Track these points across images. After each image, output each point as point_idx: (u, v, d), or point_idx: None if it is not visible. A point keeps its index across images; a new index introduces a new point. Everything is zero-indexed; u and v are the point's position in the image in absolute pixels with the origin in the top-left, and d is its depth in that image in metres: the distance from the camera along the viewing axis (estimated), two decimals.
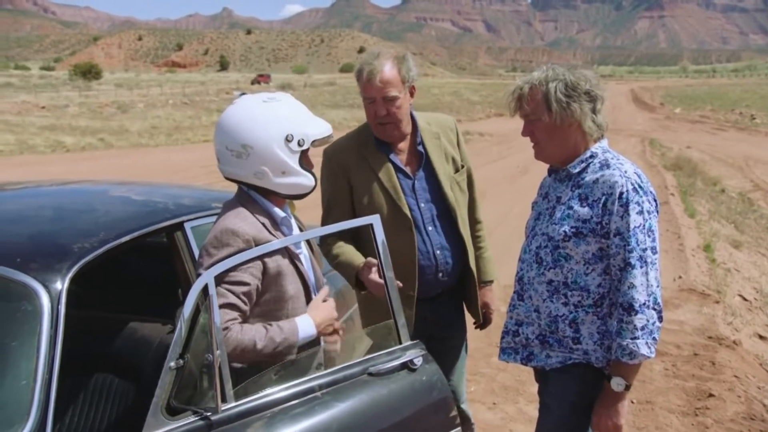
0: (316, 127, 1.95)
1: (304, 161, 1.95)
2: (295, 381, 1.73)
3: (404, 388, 1.87)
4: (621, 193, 1.93)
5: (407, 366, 1.89)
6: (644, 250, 1.92)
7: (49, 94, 43.51)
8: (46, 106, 32.77)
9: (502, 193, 10.95)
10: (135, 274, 2.73)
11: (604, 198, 1.95)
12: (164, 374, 1.54)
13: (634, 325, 1.89)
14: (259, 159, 1.86)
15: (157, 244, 2.63)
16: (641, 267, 1.91)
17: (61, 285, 1.66)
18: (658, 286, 1.94)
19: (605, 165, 2.00)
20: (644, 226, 1.92)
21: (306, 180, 1.95)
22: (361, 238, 2.45)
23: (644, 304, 1.90)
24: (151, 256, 2.66)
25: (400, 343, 1.92)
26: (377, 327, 2.01)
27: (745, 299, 6.19)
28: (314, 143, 1.94)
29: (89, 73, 67.54)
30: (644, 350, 1.89)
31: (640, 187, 1.95)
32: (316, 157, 2.04)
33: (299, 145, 1.89)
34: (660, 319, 1.93)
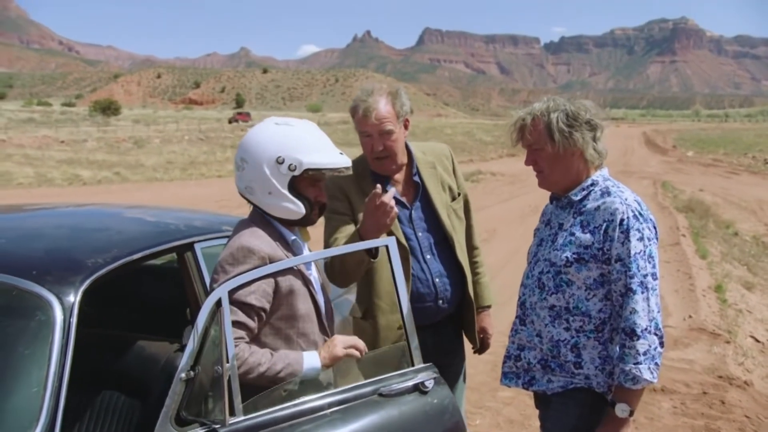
0: (316, 157, 1.89)
1: (306, 190, 1.93)
2: (304, 398, 1.73)
3: (415, 411, 1.85)
4: (622, 220, 1.97)
5: (419, 388, 1.88)
6: (645, 276, 1.95)
7: (69, 129, 44.36)
8: (66, 140, 33.42)
9: (512, 231, 10.95)
10: (145, 293, 2.78)
11: (605, 225, 1.99)
12: (174, 385, 1.58)
13: (637, 350, 1.91)
14: (250, 174, 1.91)
15: (167, 265, 2.68)
16: (642, 293, 1.94)
17: (74, 297, 1.72)
18: (659, 312, 1.96)
19: (606, 192, 2.05)
20: (644, 252, 1.96)
21: (292, 206, 1.91)
22: (370, 268, 2.46)
23: (646, 329, 1.92)
24: (160, 277, 2.71)
25: (413, 365, 1.91)
26: (390, 348, 2.00)
27: (757, 341, 6.10)
28: (308, 172, 1.88)
29: (108, 109, 68.88)
30: (647, 375, 1.91)
31: (640, 214, 1.99)
32: None
33: (290, 169, 1.87)
34: (662, 344, 1.94)
